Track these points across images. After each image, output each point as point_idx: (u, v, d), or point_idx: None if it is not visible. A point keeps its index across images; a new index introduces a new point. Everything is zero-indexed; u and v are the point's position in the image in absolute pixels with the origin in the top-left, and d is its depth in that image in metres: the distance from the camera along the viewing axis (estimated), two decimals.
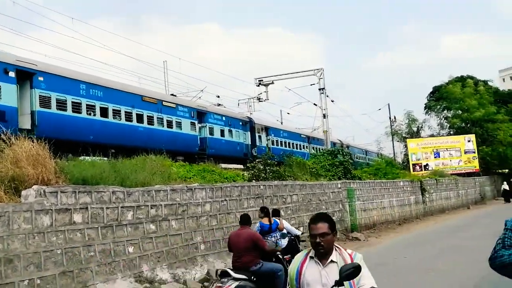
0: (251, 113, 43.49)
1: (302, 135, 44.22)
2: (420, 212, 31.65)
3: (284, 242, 11.10)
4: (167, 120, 25.95)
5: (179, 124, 26.95)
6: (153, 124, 24.78)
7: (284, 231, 11.79)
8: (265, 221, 11.31)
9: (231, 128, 32.10)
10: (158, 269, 11.90)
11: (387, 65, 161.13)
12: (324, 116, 38.82)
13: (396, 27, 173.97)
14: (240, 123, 33.50)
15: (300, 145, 42.27)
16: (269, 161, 20.83)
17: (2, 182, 9.95)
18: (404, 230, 24.99)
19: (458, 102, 50.24)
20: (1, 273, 8.58)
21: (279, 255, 9.85)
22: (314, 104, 40.87)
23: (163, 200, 12.63)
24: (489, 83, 57.41)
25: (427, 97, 57.03)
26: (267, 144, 35.95)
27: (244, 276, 8.05)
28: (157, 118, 25.23)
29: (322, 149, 40.19)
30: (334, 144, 45.33)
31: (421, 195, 32.50)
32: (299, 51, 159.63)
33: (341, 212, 21.80)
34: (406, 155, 50.32)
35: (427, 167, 45.33)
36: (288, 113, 63.66)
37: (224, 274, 8.11)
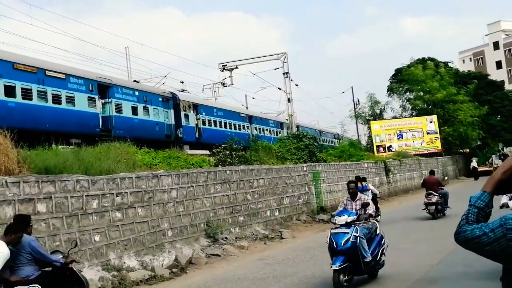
0: (216, 98, 43.29)
1: (242, 114, 39.47)
2: (385, 192, 32.12)
3: (370, 197, 15.99)
4: (53, 94, 20.80)
5: (71, 99, 21.75)
6: (31, 99, 19.70)
7: (370, 190, 19.43)
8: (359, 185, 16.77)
9: (148, 105, 27.00)
10: (125, 256, 11.85)
11: (349, 48, 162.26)
12: (288, 100, 38.95)
13: (356, 10, 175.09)
14: (160, 100, 28.56)
15: (239, 125, 37.61)
16: (234, 145, 20.84)
17: None
18: None
19: (420, 84, 50.96)
20: None
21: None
22: (279, 88, 40.95)
23: (128, 187, 12.54)
24: (450, 65, 58.36)
25: (390, 79, 57.65)
26: (196, 125, 31.77)
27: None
28: (38, 91, 20.14)
29: (266, 129, 40.72)
30: (281, 123, 45.17)
31: (386, 176, 33.00)
32: (261, 35, 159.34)
33: (307, 194, 22.00)
34: (370, 137, 50.91)
35: (391, 148, 45.97)
36: (253, 98, 63.70)
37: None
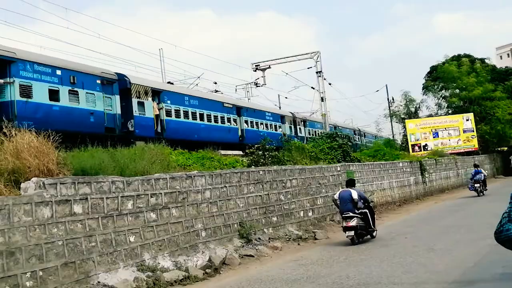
0: (248, 99, 43.15)
1: (226, 104, 31.94)
2: (420, 192, 31.72)
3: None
4: None
5: None
6: None
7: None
8: None
9: (78, 89, 20.41)
10: (159, 257, 11.96)
11: (381, 46, 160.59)
12: (322, 99, 38.74)
13: (387, 8, 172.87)
14: (99, 82, 21.73)
15: (222, 118, 30.79)
16: (267, 146, 20.84)
17: (1, 175, 9.97)
18: (404, 210, 25.08)
19: (455, 81, 50.16)
20: (3, 266, 8.62)
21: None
22: (312, 87, 40.83)
23: (163, 188, 12.66)
24: (486, 61, 57.21)
25: (425, 77, 56.81)
26: (157, 116, 25.16)
27: None
28: None
29: (261, 123, 35.60)
30: (282, 117, 39.53)
31: (421, 175, 32.54)
32: (294, 34, 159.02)
33: None
34: (405, 135, 50.31)
35: (426, 147, 45.37)
36: (286, 98, 63.44)
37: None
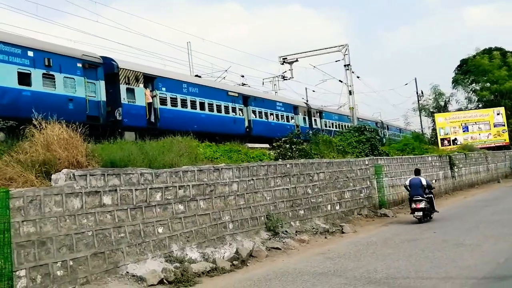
0: (276, 92, 43.08)
1: (231, 93, 29.90)
2: (449, 187, 31.33)
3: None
4: None
5: None
6: None
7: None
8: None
9: (55, 73, 18.62)
10: (187, 248, 12.05)
11: (410, 40, 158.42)
12: (350, 92, 38.53)
13: (416, 1, 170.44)
14: (80, 66, 19.77)
15: (227, 107, 28.90)
16: (294, 139, 20.80)
17: (33, 166, 10.15)
18: None
19: (486, 74, 49.37)
20: (35, 256, 8.79)
21: None
22: (340, 81, 40.63)
23: (190, 180, 12.73)
24: None
25: (454, 70, 56.11)
26: (150, 104, 23.29)
27: None
28: None
29: (271, 114, 33.57)
30: (295, 107, 37.34)
31: (450, 170, 32.13)
32: (321, 28, 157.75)
33: (369, 189, 21.70)
34: (434, 130, 49.78)
35: (456, 141, 44.84)
36: (313, 91, 63.00)
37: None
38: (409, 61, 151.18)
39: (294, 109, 36.80)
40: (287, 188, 16.52)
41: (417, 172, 19.83)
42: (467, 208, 22.51)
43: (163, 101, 23.85)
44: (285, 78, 41.45)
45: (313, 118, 39.68)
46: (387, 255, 12.41)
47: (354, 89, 39.12)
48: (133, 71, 22.44)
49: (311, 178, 17.91)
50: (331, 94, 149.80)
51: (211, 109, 27.21)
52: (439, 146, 42.39)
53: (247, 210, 14.55)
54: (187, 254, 11.87)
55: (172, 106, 24.41)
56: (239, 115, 30.06)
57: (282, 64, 40.47)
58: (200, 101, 26.41)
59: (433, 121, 49.79)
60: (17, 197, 8.79)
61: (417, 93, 55.29)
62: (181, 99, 25.03)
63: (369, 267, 10.98)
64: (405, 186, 19.42)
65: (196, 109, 26.02)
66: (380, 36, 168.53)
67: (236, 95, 30.00)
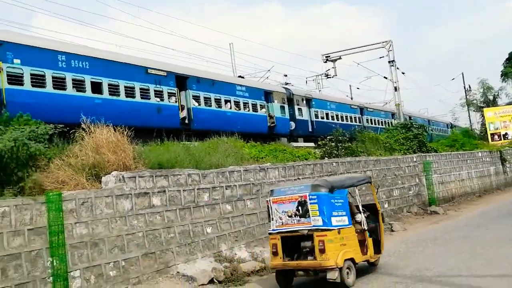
0: (319, 90, 42.77)
1: (152, 71, 19.90)
2: (501, 183, 30.52)
3: None
4: None
5: None
6: None
7: None
8: None
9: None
10: (236, 248, 12.10)
11: (455, 35, 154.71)
12: (395, 89, 37.86)
13: None
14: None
15: (144, 91, 19.17)
16: (340, 137, 20.61)
17: (83, 169, 10.37)
18: (484, 202, 24.16)
19: None
20: (88, 256, 8.99)
21: None
22: (385, 77, 39.93)
23: (237, 180, 12.78)
24: None
25: (503, 64, 54.57)
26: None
27: None
28: None
29: (225, 101, 23.58)
30: (268, 93, 27.26)
31: (501, 165, 31.27)
32: (363, 25, 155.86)
33: (418, 186, 21.33)
34: (483, 125, 48.56)
35: (507, 136, 43.55)
36: (358, 88, 62.11)
37: None
38: (455, 56, 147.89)
39: (266, 95, 27.39)
40: None
41: None
42: None
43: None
44: (328, 76, 41.09)
45: (296, 107, 29.99)
46: (437, 252, 12.16)
47: (400, 85, 38.38)
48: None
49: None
50: (376, 91, 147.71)
51: (113, 93, 17.91)
52: (489, 141, 41.29)
53: None
54: (236, 254, 11.91)
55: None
56: (170, 101, 20.56)
57: (325, 62, 40.09)
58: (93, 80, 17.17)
59: (482, 116, 48.59)
60: (69, 199, 9.01)
61: (464, 87, 54.17)
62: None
63: (419, 265, 10.78)
64: None
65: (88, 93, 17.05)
66: (423, 32, 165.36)
67: (164, 74, 20.59)
